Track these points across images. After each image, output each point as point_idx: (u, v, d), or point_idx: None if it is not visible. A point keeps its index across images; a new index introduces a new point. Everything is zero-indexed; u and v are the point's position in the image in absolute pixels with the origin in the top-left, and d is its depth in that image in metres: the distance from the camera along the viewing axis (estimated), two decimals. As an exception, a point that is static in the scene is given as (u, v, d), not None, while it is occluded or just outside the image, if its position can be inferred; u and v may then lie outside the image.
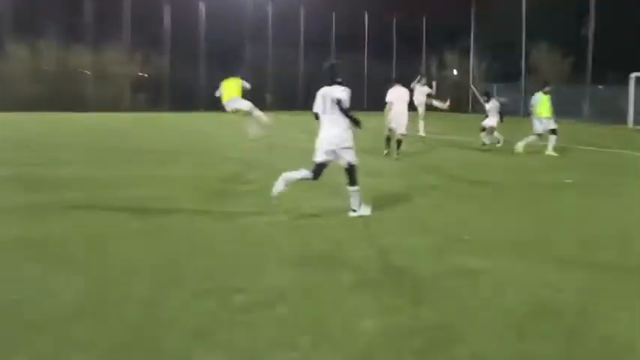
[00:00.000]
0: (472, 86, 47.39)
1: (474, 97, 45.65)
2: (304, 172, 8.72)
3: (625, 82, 34.32)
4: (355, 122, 8.53)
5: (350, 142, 8.61)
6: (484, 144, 20.04)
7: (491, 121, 20.10)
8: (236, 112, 16.52)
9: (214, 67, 37.73)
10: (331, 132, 8.54)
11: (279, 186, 8.77)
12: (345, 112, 8.48)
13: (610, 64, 37.13)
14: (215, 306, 5.04)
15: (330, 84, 8.67)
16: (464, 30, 50.79)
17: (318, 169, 8.70)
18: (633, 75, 33.96)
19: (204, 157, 15.87)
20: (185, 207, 9.28)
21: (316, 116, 8.80)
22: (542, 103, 18.07)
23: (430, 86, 24.13)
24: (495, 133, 20.28)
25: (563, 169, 14.76)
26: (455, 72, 51.98)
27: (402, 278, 5.87)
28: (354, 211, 8.70)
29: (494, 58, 47.66)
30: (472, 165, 15.43)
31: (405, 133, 16.83)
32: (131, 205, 9.26)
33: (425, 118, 23.16)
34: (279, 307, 5.01)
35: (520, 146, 18.09)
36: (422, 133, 22.42)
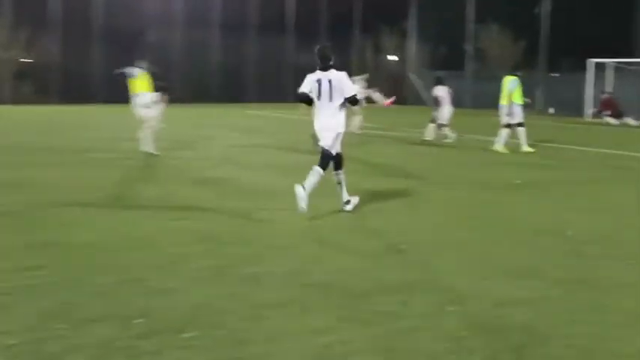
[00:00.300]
0: (410, 74, 47.95)
1: (415, 87, 46.28)
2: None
3: (582, 69, 35.19)
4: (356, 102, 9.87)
5: (342, 130, 9.51)
6: (425, 139, 20.57)
7: (441, 114, 20.60)
8: (142, 114, 16.38)
9: (113, 53, 37.13)
10: (328, 122, 9.42)
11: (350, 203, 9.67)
12: (356, 103, 9.88)
13: (565, 49, 38.13)
14: (112, 332, 5.00)
15: (323, 68, 9.40)
16: (403, 9, 51.25)
17: (335, 157, 9.55)
18: (592, 61, 34.84)
19: (98, 155, 15.67)
20: (79, 215, 9.17)
21: (301, 99, 9.58)
22: (519, 89, 18.56)
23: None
24: (445, 129, 20.77)
25: (514, 167, 15.17)
26: (393, 57, 52.38)
27: (331, 295, 5.93)
28: (303, 188, 9.09)
29: (437, 42, 48.21)
30: (415, 163, 15.66)
31: None
32: (12, 214, 9.11)
33: (362, 113, 23.40)
34: (187, 332, 5.01)
35: (524, 147, 18.49)
36: (356, 129, 22.66)
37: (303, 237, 8.16)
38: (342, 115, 9.48)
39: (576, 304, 5.83)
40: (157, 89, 16.66)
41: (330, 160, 9.48)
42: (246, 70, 47.15)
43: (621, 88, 34.39)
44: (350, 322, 5.27)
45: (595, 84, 34.97)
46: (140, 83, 16.37)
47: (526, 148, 18.31)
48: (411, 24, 51.50)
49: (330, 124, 9.43)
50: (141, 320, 5.22)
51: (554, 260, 7.28)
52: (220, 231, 8.38)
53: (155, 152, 16.06)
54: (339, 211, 9.62)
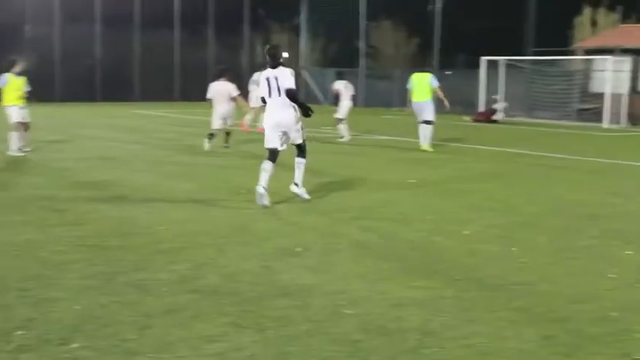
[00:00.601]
0: (302, 71, 48.13)
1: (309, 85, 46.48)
2: (267, 166, 10.29)
3: (476, 66, 35.96)
4: (305, 110, 10.51)
5: (299, 123, 10.55)
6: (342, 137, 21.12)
7: (340, 109, 21.05)
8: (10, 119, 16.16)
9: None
10: (281, 116, 10.42)
11: (263, 198, 10.11)
12: (296, 101, 10.45)
13: (459, 46, 38.99)
14: (-9, 346, 4.89)
15: (273, 66, 10.48)
16: (294, 5, 51.36)
17: (273, 155, 10.46)
18: (484, 59, 35.67)
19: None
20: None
21: (264, 100, 10.66)
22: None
23: None
24: (341, 126, 21.14)
25: (412, 165, 15.51)
26: (285, 54, 52.40)
27: (223, 300, 5.94)
28: (296, 185, 10.68)
29: (329, 39, 48.46)
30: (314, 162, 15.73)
31: (230, 124, 17.71)
32: None
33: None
34: (72, 343, 4.93)
35: (425, 145, 18.81)
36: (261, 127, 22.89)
37: (193, 240, 8.12)
38: (292, 109, 10.43)
39: (470, 303, 6.01)
40: (27, 93, 16.35)
41: (304, 147, 10.73)
42: (130, 68, 46.33)
43: (512, 85, 35.37)
44: (243, 328, 5.29)
45: (488, 81, 35.79)
46: (9, 92, 15.99)
47: (426, 147, 18.69)
48: (302, 20, 51.66)
49: (282, 118, 10.39)
50: (22, 332, 5.11)
51: (449, 260, 7.48)
52: (104, 236, 8.25)
53: (22, 153, 15.89)
54: (235, 211, 9.66)
